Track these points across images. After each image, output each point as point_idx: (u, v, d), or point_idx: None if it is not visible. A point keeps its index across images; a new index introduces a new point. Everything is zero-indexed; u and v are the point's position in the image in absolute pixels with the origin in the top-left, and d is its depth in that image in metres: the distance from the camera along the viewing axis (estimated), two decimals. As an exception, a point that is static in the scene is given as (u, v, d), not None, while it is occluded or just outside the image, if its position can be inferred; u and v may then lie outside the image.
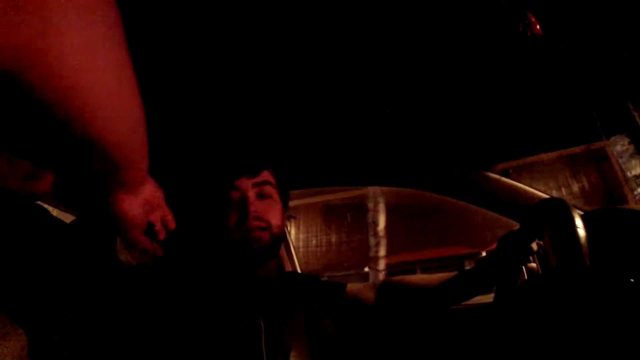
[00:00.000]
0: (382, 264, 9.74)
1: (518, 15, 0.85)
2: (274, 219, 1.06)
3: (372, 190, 10.30)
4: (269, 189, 1.08)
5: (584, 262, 0.72)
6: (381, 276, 9.38)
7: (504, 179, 1.44)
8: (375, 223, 10.03)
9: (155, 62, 0.97)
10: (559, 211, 0.82)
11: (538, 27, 0.84)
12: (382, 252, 9.82)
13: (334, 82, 1.12)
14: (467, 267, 1.34)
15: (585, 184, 11.10)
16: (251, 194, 1.05)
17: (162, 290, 0.95)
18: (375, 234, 10.03)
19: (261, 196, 1.06)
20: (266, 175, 1.08)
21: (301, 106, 1.21)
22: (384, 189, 11.30)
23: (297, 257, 1.96)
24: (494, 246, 1.03)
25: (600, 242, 0.81)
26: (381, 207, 10.14)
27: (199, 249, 1.18)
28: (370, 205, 10.18)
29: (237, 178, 1.05)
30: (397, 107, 1.25)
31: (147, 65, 0.94)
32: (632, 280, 0.74)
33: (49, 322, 0.55)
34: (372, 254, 9.96)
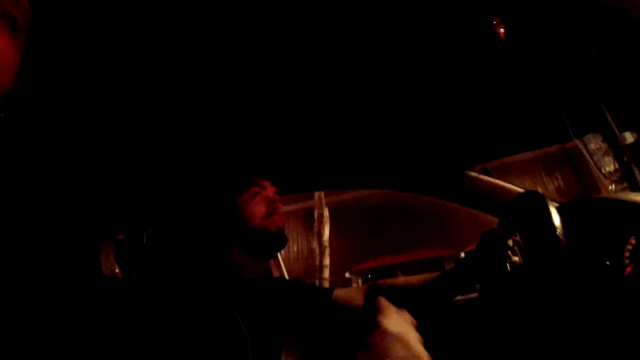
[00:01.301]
0: (326, 273, 10.06)
1: (487, 19, 0.87)
2: None
3: (317, 200, 10.38)
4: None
5: (561, 246, 0.74)
6: (326, 284, 9.55)
7: (483, 176, 1.47)
8: (320, 234, 10.34)
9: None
10: (535, 201, 0.85)
11: (502, 31, 0.86)
12: (327, 261, 10.26)
13: (325, 91, 1.13)
14: (447, 268, 1.38)
15: (561, 182, 11.38)
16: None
17: (147, 300, 0.95)
18: (320, 244, 10.31)
19: None
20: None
21: (293, 110, 1.22)
22: (333, 198, 11.42)
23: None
24: (471, 247, 1.05)
25: (577, 230, 0.84)
26: (326, 217, 10.38)
27: (183, 255, 1.18)
28: (315, 215, 10.36)
29: (262, 179, 1.19)
30: (380, 110, 1.26)
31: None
32: (607, 263, 0.78)
33: (49, 323, 0.55)
34: (317, 262, 10.24)
